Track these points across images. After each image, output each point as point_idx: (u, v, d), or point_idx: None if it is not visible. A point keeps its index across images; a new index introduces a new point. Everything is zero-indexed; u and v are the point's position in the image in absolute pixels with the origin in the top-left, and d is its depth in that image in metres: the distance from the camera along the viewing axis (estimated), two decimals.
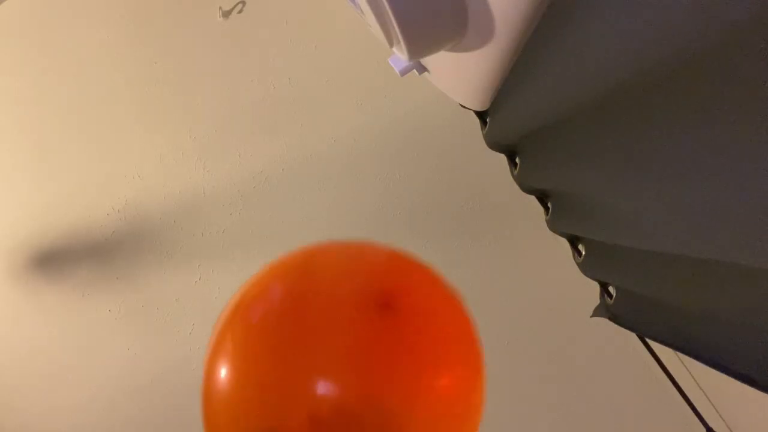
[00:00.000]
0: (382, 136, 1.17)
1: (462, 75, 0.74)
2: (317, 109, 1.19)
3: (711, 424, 0.92)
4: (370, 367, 0.26)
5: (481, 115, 1.01)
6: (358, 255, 0.32)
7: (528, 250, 1.14)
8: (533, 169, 0.88)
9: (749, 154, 0.31)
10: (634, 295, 0.79)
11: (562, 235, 0.99)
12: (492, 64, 0.63)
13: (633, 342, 1.03)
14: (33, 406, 1.14)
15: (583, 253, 0.94)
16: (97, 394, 1.13)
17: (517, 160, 0.98)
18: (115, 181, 1.17)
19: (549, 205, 0.98)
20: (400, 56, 0.65)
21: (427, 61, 0.78)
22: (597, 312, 0.96)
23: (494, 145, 1.01)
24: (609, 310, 0.91)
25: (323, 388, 0.25)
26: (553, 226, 0.97)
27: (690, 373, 0.94)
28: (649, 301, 0.71)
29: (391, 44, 0.60)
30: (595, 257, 0.89)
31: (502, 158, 1.04)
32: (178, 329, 1.13)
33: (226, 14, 1.20)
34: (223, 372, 0.27)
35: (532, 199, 1.03)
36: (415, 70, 0.77)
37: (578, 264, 0.97)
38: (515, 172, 0.99)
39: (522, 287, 1.13)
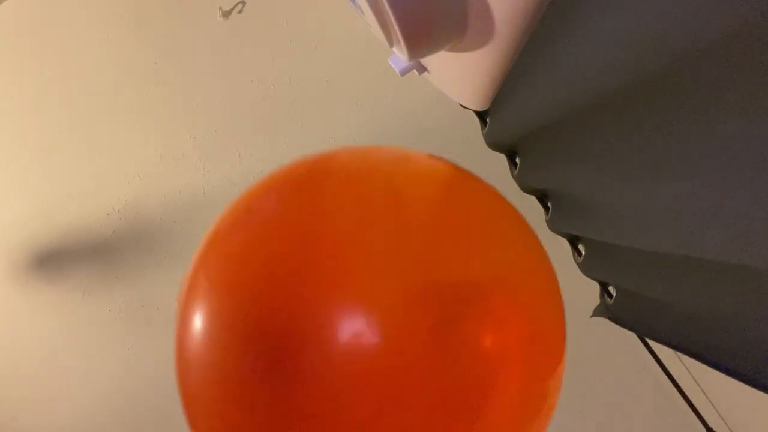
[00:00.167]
0: (382, 136, 1.17)
1: (462, 75, 0.74)
2: (317, 109, 1.19)
3: (711, 424, 0.92)
4: None
5: (481, 115, 1.01)
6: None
7: None
8: (533, 169, 0.88)
9: (749, 154, 0.31)
10: (634, 295, 0.79)
11: (562, 235, 0.99)
12: (492, 64, 0.63)
13: (633, 342, 1.03)
14: (33, 406, 1.14)
15: (583, 253, 0.94)
16: (96, 394, 1.13)
17: (517, 160, 0.98)
18: (115, 181, 1.17)
19: (549, 205, 0.98)
20: (400, 56, 0.65)
21: (427, 61, 0.78)
22: (597, 312, 0.96)
23: (494, 145, 1.01)
24: (609, 310, 0.91)
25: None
26: (553, 226, 0.97)
27: (690, 373, 0.94)
28: (649, 301, 0.71)
29: (391, 44, 0.60)
30: (595, 257, 0.89)
31: (502, 158, 1.04)
32: None
33: (226, 14, 1.20)
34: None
35: (532, 199, 1.03)
36: (415, 70, 0.77)
37: (578, 264, 0.97)
38: (515, 172, 0.99)
39: None
